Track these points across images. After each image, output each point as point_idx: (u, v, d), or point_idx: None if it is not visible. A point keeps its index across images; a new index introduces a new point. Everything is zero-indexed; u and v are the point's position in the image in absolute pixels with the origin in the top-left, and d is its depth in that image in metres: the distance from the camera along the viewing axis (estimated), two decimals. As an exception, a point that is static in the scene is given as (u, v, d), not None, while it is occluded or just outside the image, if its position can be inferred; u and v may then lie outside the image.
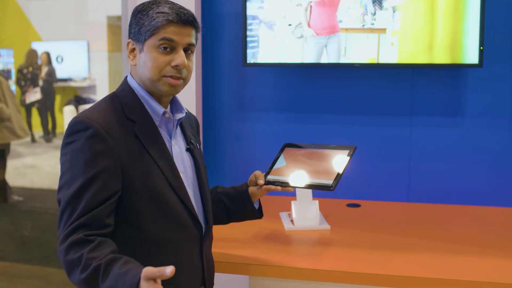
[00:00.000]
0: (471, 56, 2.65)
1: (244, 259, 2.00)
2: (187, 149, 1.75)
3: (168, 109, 1.71)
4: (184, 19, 1.58)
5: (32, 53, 10.79)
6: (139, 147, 1.57)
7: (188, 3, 2.83)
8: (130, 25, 1.64)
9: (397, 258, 2.05)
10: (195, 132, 1.88)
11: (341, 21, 2.75)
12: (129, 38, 1.65)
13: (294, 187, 1.98)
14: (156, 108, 1.64)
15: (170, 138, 1.69)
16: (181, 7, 1.60)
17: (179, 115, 1.71)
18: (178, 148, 1.71)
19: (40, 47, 11.39)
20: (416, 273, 1.88)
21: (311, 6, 2.81)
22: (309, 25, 2.80)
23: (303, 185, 1.96)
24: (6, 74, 11.58)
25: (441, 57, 2.69)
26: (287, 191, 1.98)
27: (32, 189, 7.35)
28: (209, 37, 3.06)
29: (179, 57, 1.59)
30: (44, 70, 10.72)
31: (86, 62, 11.99)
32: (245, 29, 2.83)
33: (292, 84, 3.01)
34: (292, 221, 2.39)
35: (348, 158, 1.97)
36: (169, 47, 1.58)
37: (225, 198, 1.96)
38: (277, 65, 2.85)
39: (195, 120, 1.94)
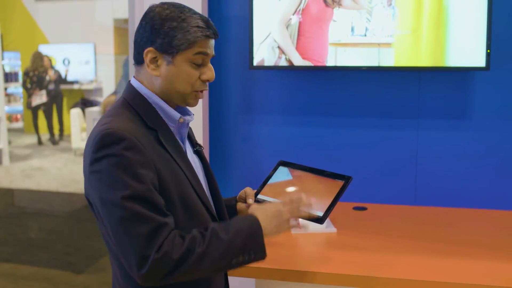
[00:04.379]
0: (478, 59, 2.64)
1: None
2: (195, 151, 1.73)
3: None
4: (216, 33, 1.57)
5: (38, 56, 10.82)
6: (167, 156, 1.52)
7: (195, 6, 2.83)
8: (151, 33, 1.53)
9: (403, 261, 2.04)
10: (193, 134, 1.85)
11: (339, 40, 2.75)
12: (150, 47, 1.54)
13: None
14: (172, 115, 1.59)
15: (183, 143, 1.65)
16: (208, 19, 1.58)
17: (189, 118, 1.67)
18: (189, 152, 1.68)
19: (47, 50, 11.45)
20: (423, 277, 1.88)
21: (300, 23, 2.80)
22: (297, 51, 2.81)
23: None
24: (13, 76, 11.65)
25: (448, 60, 2.68)
26: None
27: (38, 192, 7.38)
28: (216, 40, 3.06)
29: (210, 71, 1.57)
30: (51, 72, 10.76)
31: (92, 64, 12.04)
32: (251, 32, 2.83)
33: (298, 87, 3.01)
34: (298, 224, 2.39)
35: (342, 190, 1.84)
36: (203, 61, 1.56)
37: None
38: (283, 68, 2.85)
39: None
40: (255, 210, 1.60)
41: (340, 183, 1.85)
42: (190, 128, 1.81)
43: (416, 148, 2.91)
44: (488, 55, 2.62)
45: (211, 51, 1.58)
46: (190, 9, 1.57)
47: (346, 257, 2.08)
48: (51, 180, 8.01)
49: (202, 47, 1.54)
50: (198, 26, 1.52)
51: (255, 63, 2.85)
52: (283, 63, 2.81)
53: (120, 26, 11.11)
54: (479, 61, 2.64)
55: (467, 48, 2.65)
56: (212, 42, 1.59)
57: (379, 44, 2.72)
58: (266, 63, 2.83)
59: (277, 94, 3.04)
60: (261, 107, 3.07)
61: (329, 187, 1.84)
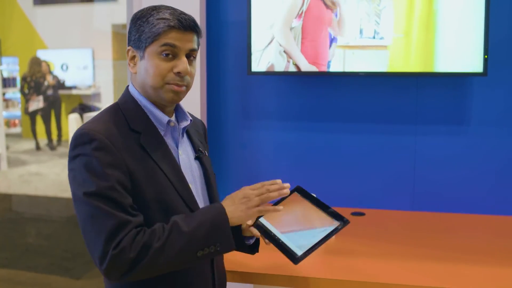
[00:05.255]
0: (475, 64, 2.65)
1: (248, 267, 1.99)
2: (196, 158, 1.72)
3: (173, 118, 1.67)
4: (185, 24, 1.54)
5: (35, 61, 10.82)
6: (147, 158, 1.53)
7: (193, 11, 2.84)
8: (129, 32, 1.60)
9: (402, 267, 2.04)
10: (203, 139, 1.84)
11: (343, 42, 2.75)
12: (128, 46, 1.61)
13: (269, 242, 1.76)
14: (160, 117, 1.60)
15: (177, 148, 1.65)
16: (182, 13, 1.56)
17: (184, 123, 1.68)
18: (186, 157, 1.67)
19: (45, 55, 11.45)
20: (422, 283, 1.88)
21: (303, 26, 2.80)
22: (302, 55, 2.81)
23: (275, 243, 1.73)
24: (11, 82, 11.65)
25: (445, 66, 2.69)
26: (264, 241, 1.79)
27: (36, 197, 7.37)
28: (214, 45, 3.07)
29: (182, 63, 1.55)
30: (49, 77, 10.76)
31: (91, 70, 12.04)
32: (249, 38, 2.84)
33: (296, 93, 3.01)
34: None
35: (332, 234, 1.72)
36: (171, 53, 1.54)
37: None
38: (281, 74, 2.86)
39: (202, 126, 1.90)
40: (226, 198, 1.60)
41: (334, 225, 1.73)
42: (200, 134, 1.82)
43: (414, 154, 2.91)
44: (485, 61, 2.62)
45: (183, 44, 1.55)
46: (166, 7, 1.58)
47: (344, 263, 2.08)
48: (49, 185, 8.00)
49: (168, 39, 1.53)
50: (162, 18, 1.53)
51: (264, 68, 2.85)
52: (292, 67, 2.81)
53: (118, 32, 11.12)
54: (477, 66, 2.64)
55: (465, 54, 2.66)
56: (184, 34, 1.55)
57: (386, 47, 2.72)
58: (276, 68, 2.83)
59: (275, 100, 3.05)
60: (259, 113, 3.07)
61: (323, 227, 1.75)
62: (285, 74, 2.88)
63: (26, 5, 12.02)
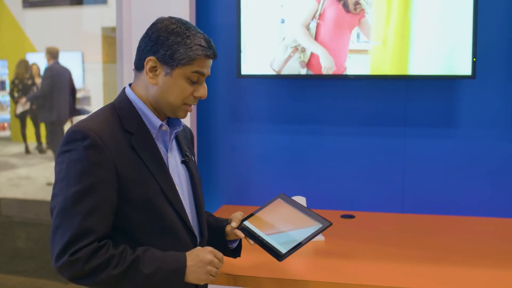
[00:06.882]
0: (464, 67, 2.67)
1: (237, 270, 1.99)
2: (182, 162, 1.76)
3: (165, 122, 1.71)
4: (215, 54, 1.64)
5: (21, 64, 10.80)
6: (136, 159, 1.57)
7: (183, 14, 2.84)
8: (156, 43, 1.60)
9: (392, 269, 2.04)
10: (190, 144, 1.88)
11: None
12: (151, 56, 1.60)
13: (254, 243, 1.82)
14: (153, 121, 1.65)
15: (166, 151, 1.69)
16: (210, 40, 1.65)
17: (176, 128, 1.73)
18: (173, 161, 1.71)
19: (34, 58, 11.40)
20: (412, 284, 1.88)
21: (318, 24, 2.81)
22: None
23: (260, 243, 1.80)
24: (0, 85, 11.59)
25: (434, 69, 2.70)
26: (249, 243, 1.85)
27: (26, 201, 7.32)
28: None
29: (203, 89, 1.65)
30: (39, 80, 10.72)
31: (80, 73, 11.99)
32: (239, 41, 2.84)
33: (286, 96, 3.02)
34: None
35: (315, 234, 1.78)
36: (198, 80, 1.63)
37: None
38: (271, 77, 2.86)
39: (190, 132, 1.95)
40: (195, 250, 1.63)
41: (317, 227, 1.80)
42: (188, 139, 1.87)
43: (404, 156, 2.92)
44: (474, 64, 2.64)
45: (208, 71, 1.65)
46: (195, 28, 1.63)
47: (333, 265, 2.08)
48: (38, 189, 7.96)
49: (200, 67, 1.61)
50: (200, 45, 1.59)
51: (268, 62, 2.86)
52: (294, 61, 2.81)
53: (108, 35, 11.08)
54: (465, 69, 2.66)
55: (454, 57, 2.67)
56: (210, 62, 1.65)
57: (367, 51, 2.73)
58: (276, 61, 2.83)
59: (265, 103, 3.05)
60: (249, 116, 3.07)
61: (306, 228, 1.81)
62: (274, 77, 2.88)
63: (15, 8, 11.96)
